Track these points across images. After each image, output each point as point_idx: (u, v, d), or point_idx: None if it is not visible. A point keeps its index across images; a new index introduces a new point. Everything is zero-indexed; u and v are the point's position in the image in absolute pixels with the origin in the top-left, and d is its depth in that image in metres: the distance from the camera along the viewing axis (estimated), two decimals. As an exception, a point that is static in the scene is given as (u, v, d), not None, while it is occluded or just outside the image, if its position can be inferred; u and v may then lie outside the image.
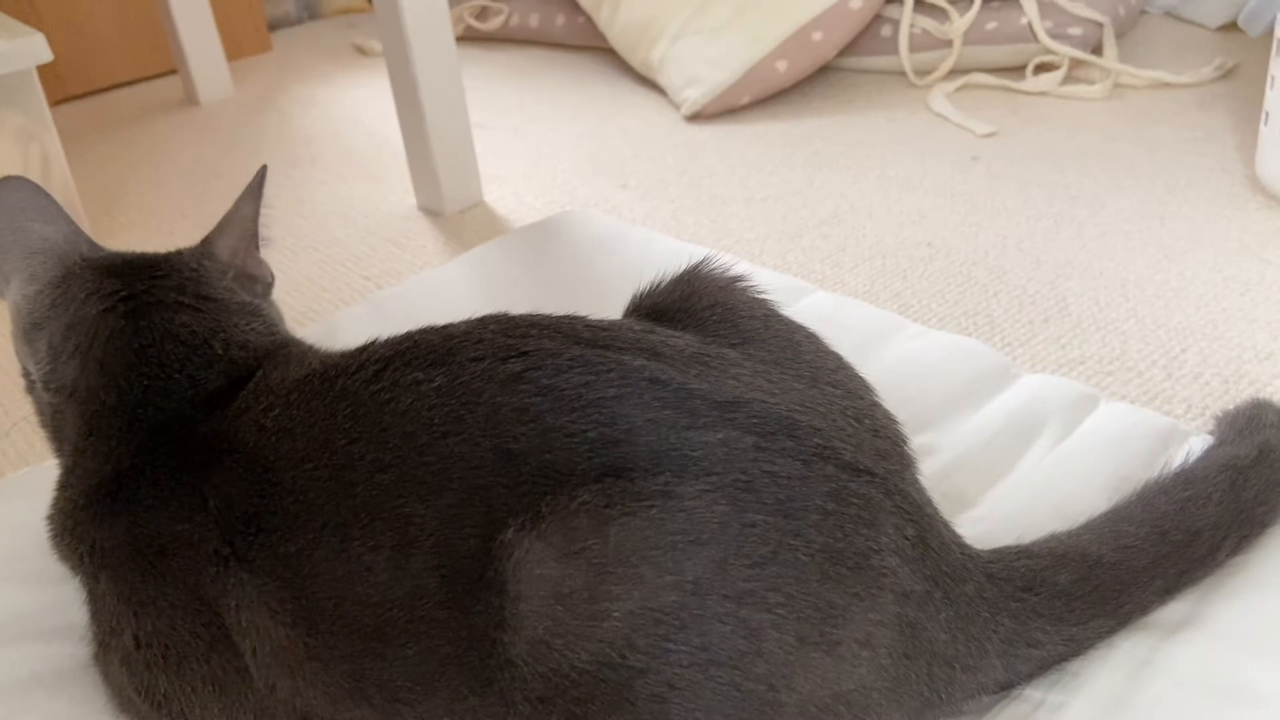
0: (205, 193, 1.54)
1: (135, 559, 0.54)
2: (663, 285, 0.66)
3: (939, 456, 0.75)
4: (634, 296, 0.66)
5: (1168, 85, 1.56)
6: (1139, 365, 0.94)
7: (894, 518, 0.51)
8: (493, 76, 1.92)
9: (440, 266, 1.15)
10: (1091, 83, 1.56)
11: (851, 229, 1.24)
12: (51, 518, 0.60)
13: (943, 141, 1.46)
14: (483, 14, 2.12)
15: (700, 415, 0.50)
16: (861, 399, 0.59)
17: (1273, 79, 1.17)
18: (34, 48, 1.25)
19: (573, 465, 0.48)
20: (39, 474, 0.75)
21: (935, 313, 1.05)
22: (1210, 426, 0.72)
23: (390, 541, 0.49)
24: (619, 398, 0.50)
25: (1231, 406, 0.72)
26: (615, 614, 0.45)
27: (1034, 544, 0.59)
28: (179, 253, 0.66)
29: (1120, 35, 1.69)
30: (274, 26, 2.32)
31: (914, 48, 1.66)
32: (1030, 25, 1.60)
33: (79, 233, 0.65)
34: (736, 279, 0.65)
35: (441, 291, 1.08)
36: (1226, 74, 1.57)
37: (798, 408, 0.53)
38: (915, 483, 0.58)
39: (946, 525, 0.56)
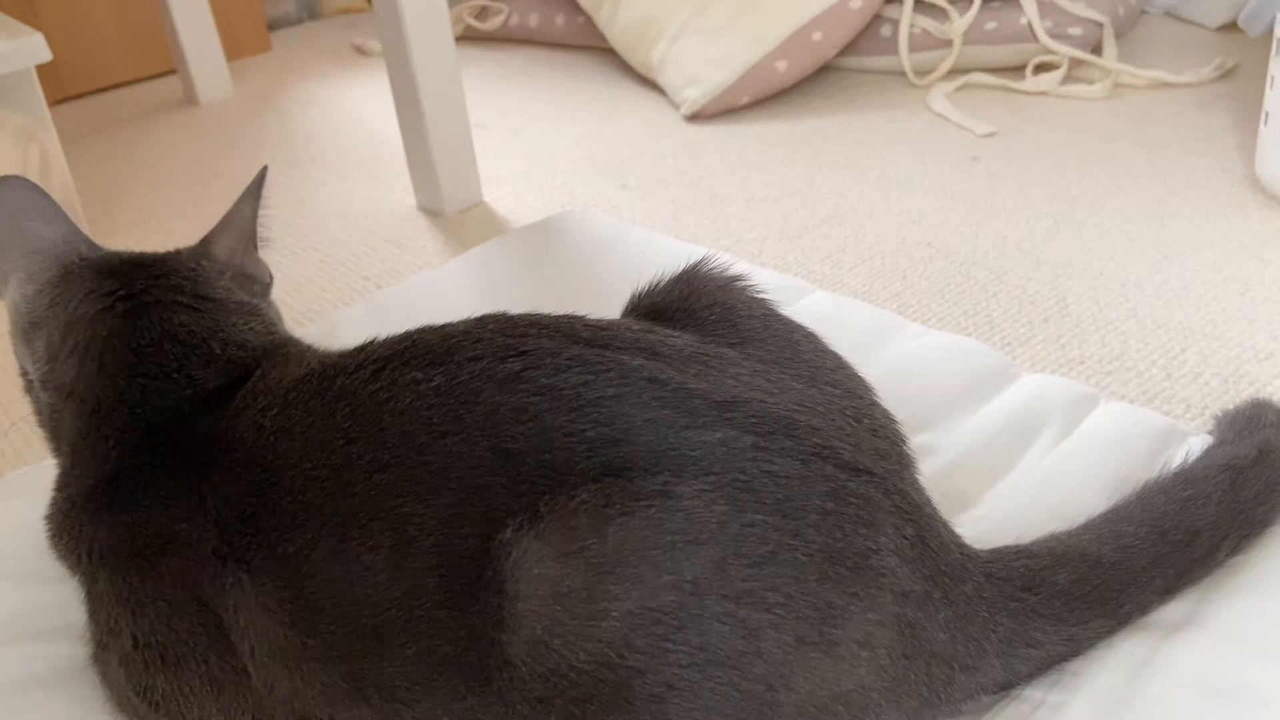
0: (205, 193, 1.53)
1: (133, 559, 0.54)
2: (661, 285, 0.66)
3: (938, 456, 0.75)
4: (632, 296, 0.66)
5: (1168, 85, 1.56)
6: (1139, 365, 0.94)
7: (893, 517, 0.51)
8: (492, 76, 1.92)
9: (440, 266, 1.15)
10: (1091, 83, 1.56)
11: (851, 229, 1.24)
12: (50, 517, 0.60)
13: (942, 141, 1.46)
14: (482, 14, 2.12)
15: (699, 415, 0.50)
16: (860, 399, 0.59)
17: (1273, 79, 1.17)
18: (33, 47, 1.25)
19: (571, 465, 0.48)
20: (37, 474, 0.75)
21: (935, 313, 1.05)
22: (1210, 426, 0.72)
23: (389, 541, 0.49)
24: (618, 397, 0.50)
25: (1231, 406, 0.72)
26: (614, 614, 0.45)
27: (1033, 544, 0.59)
28: (177, 252, 0.66)
29: (1120, 35, 1.69)
30: (274, 26, 2.32)
31: (914, 47, 1.66)
32: (1030, 25, 1.60)
33: (77, 232, 0.65)
34: (735, 278, 0.65)
35: (441, 291, 1.08)
36: (1226, 74, 1.57)
37: (797, 407, 0.53)
38: (914, 482, 0.58)
39: (945, 525, 0.56)
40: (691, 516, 0.46)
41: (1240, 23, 1.61)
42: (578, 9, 1.93)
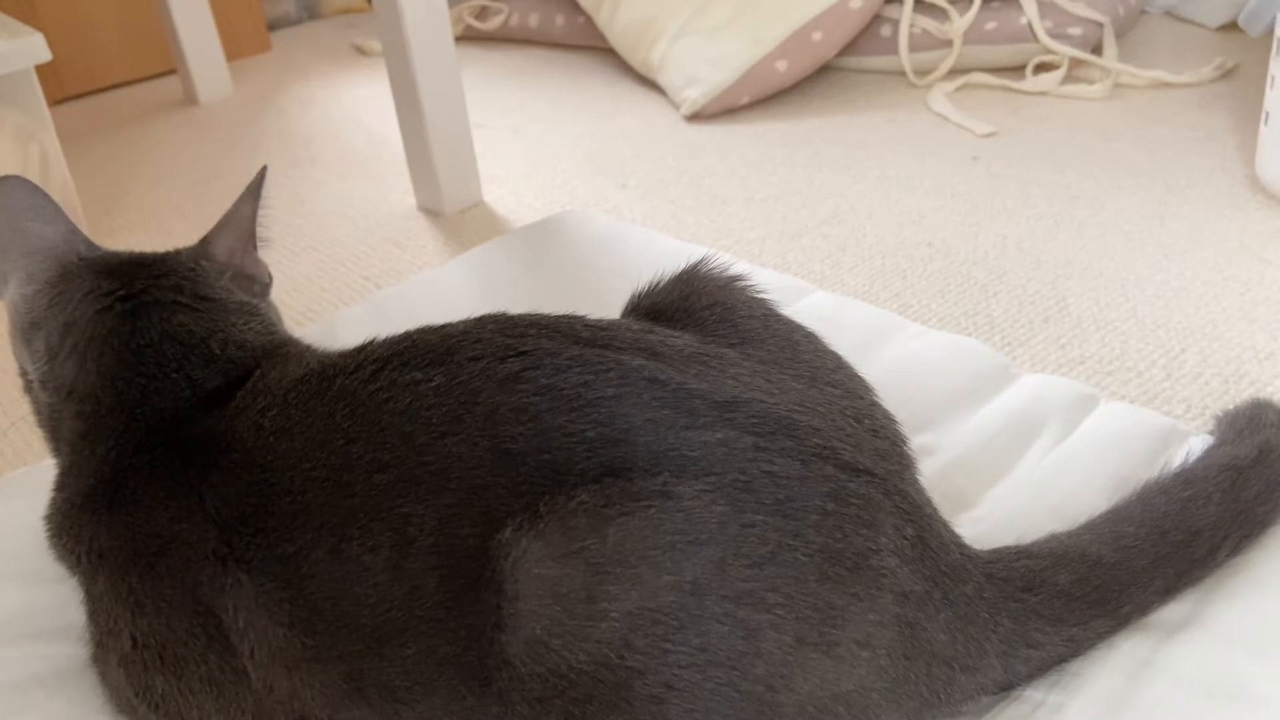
0: (204, 193, 1.53)
1: (133, 559, 0.54)
2: (661, 285, 0.66)
3: (938, 456, 0.75)
4: (632, 296, 0.66)
5: (1168, 85, 1.56)
6: (1139, 365, 0.94)
7: (893, 518, 0.51)
8: (492, 76, 1.92)
9: (440, 266, 1.15)
10: (1091, 82, 1.56)
11: (851, 229, 1.24)
12: (49, 518, 0.60)
13: (943, 141, 1.46)
14: (482, 14, 2.12)
15: (699, 415, 0.50)
16: (861, 399, 0.59)
17: (1273, 79, 1.17)
18: (33, 47, 1.25)
19: (571, 465, 0.48)
20: (37, 474, 0.75)
21: (935, 313, 1.05)
22: (1210, 426, 0.72)
23: (389, 542, 0.49)
24: (618, 397, 0.50)
25: (1231, 406, 0.72)
26: (613, 614, 0.45)
27: (1034, 544, 0.59)
28: (177, 252, 0.66)
29: (1120, 35, 1.69)
30: (274, 26, 2.31)
31: (914, 47, 1.66)
32: (1030, 25, 1.60)
33: (77, 232, 0.65)
34: (735, 278, 0.65)
35: (441, 292, 1.08)
36: (1226, 74, 1.57)
37: (797, 408, 0.53)
38: (915, 483, 0.58)
39: (946, 525, 0.56)
40: (691, 517, 0.46)
41: (1240, 23, 1.61)
42: (578, 9, 1.93)
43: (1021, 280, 1.09)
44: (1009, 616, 0.54)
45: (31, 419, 0.64)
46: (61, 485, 0.60)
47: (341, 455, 0.51)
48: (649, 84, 1.77)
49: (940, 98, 1.57)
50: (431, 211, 1.40)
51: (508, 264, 1.12)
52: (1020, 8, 1.61)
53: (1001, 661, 0.54)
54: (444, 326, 0.56)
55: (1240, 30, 1.63)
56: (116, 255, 0.65)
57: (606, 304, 0.67)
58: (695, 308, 0.62)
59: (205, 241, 0.67)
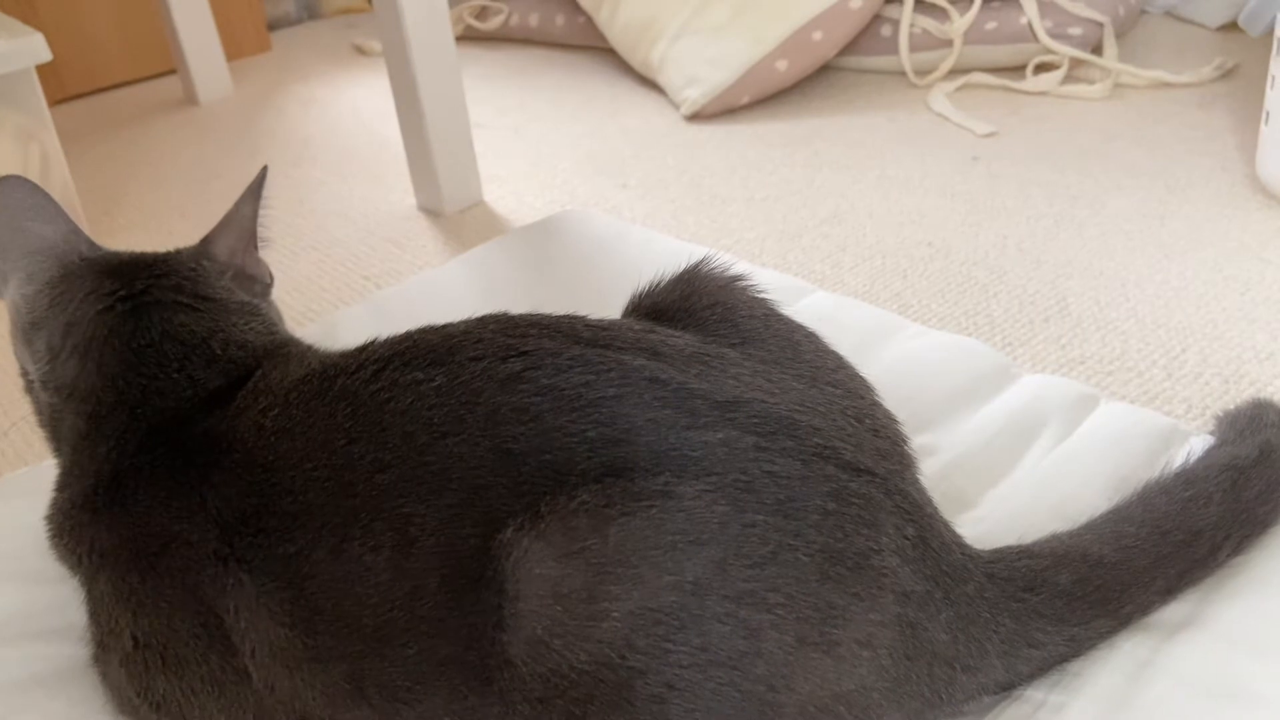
0: (205, 193, 1.53)
1: (134, 559, 0.54)
2: (662, 285, 0.66)
3: (939, 456, 0.75)
4: (633, 296, 0.66)
5: (1168, 85, 1.56)
6: (1139, 365, 0.94)
7: (894, 517, 0.51)
8: (493, 76, 1.92)
9: (440, 266, 1.15)
10: (1092, 82, 1.56)
11: (851, 229, 1.24)
12: (50, 518, 0.60)
13: (943, 141, 1.46)
14: (482, 14, 2.12)
15: (700, 415, 0.50)
16: (862, 399, 0.59)
17: (1273, 79, 1.17)
18: (33, 47, 1.25)
19: (572, 465, 0.48)
20: (38, 474, 0.75)
21: (935, 312, 1.05)
22: (1211, 426, 0.72)
23: (390, 542, 0.49)
24: (619, 397, 0.50)
25: (1232, 406, 0.72)
26: (614, 614, 0.45)
27: (1035, 544, 0.59)
28: (177, 252, 0.66)
29: (1120, 35, 1.69)
30: (274, 26, 2.31)
31: (914, 47, 1.66)
32: (1030, 25, 1.60)
33: (78, 232, 0.65)
34: (736, 278, 0.65)
35: (441, 291, 1.08)
36: (1227, 74, 1.57)
37: (798, 407, 0.53)
38: (916, 482, 0.58)
39: (947, 525, 0.56)
40: (693, 517, 0.46)
41: (1240, 22, 1.61)
42: (578, 9, 1.93)
43: (1022, 280, 1.09)
44: (1010, 616, 0.54)
45: (32, 419, 0.64)
46: (62, 485, 0.60)
47: (343, 455, 0.51)
48: (649, 84, 1.77)
49: (940, 97, 1.57)
50: (432, 211, 1.40)
51: (508, 264, 1.12)
52: (1020, 8, 1.61)
53: (1003, 661, 0.54)
54: (445, 326, 0.56)
55: (1240, 30, 1.63)
56: (117, 255, 0.65)
57: (607, 304, 0.67)
58: (696, 308, 0.62)
59: (206, 241, 0.67)
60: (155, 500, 0.55)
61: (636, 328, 0.57)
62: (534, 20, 2.03)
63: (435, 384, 0.51)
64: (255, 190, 0.67)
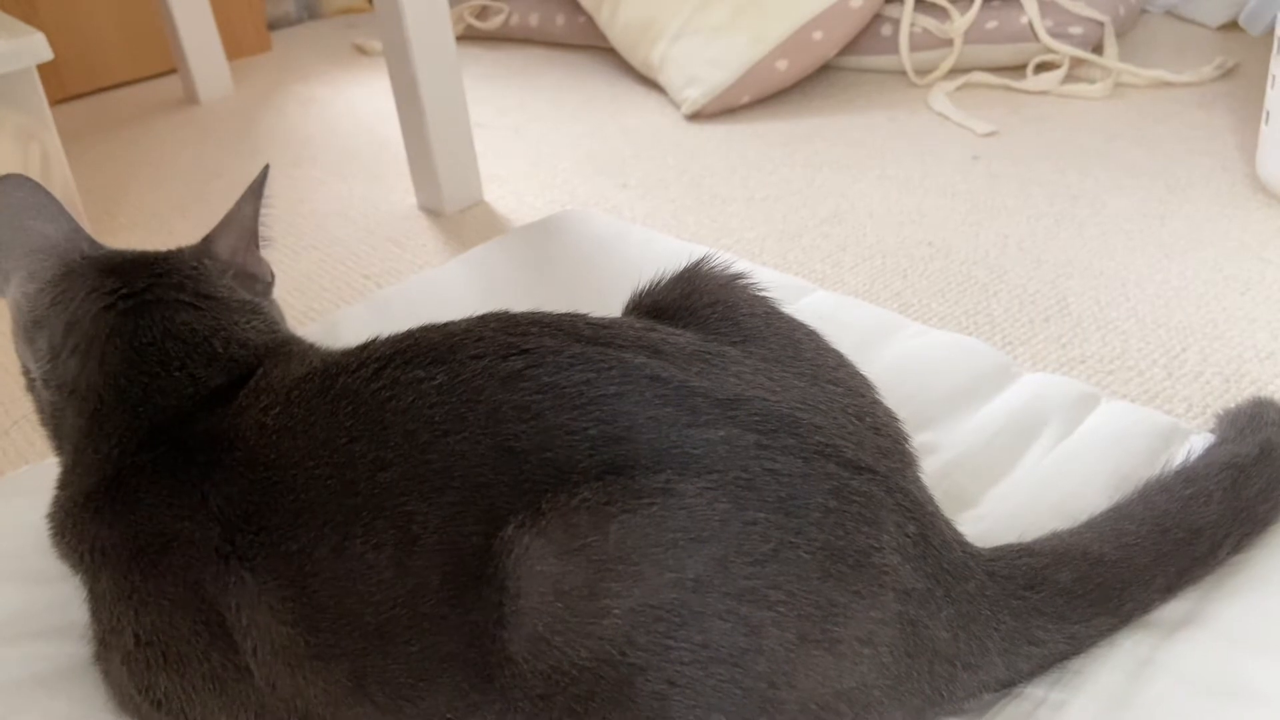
0: (205, 192, 1.53)
1: (136, 557, 0.54)
2: (663, 283, 0.66)
3: (940, 455, 0.75)
4: (634, 294, 0.66)
5: (1168, 84, 1.56)
6: (1140, 364, 0.94)
7: (895, 515, 0.51)
8: (493, 76, 1.92)
9: (440, 266, 1.15)
10: (1092, 82, 1.56)
11: (852, 228, 1.24)
12: (52, 516, 0.60)
13: (943, 141, 1.46)
14: (483, 13, 2.12)
15: (701, 413, 0.50)
16: (863, 396, 0.59)
17: (1273, 78, 1.17)
18: (34, 47, 1.25)
19: (574, 463, 0.48)
20: (39, 472, 0.75)
21: (936, 312, 1.05)
22: (1211, 425, 0.72)
23: (392, 539, 0.49)
24: (620, 395, 0.50)
25: (1232, 405, 0.72)
26: (615, 611, 0.45)
27: (1035, 542, 0.59)
28: (179, 251, 0.66)
29: (1121, 34, 1.69)
30: (274, 26, 2.31)
31: (914, 47, 1.66)
32: (1031, 24, 1.60)
33: (79, 230, 0.65)
34: (737, 276, 0.65)
35: (442, 291, 1.08)
36: (1227, 73, 1.57)
37: (799, 405, 0.53)
38: (917, 481, 0.58)
39: (948, 523, 0.56)
40: (694, 514, 0.46)
41: (1241, 22, 1.61)
42: (578, 9, 1.93)
43: (1022, 279, 1.09)
44: (1011, 614, 0.54)
45: (34, 417, 0.65)
46: (64, 483, 0.60)
47: (344, 453, 0.51)
48: (649, 83, 1.77)
49: (941, 97, 1.57)
50: (432, 211, 1.40)
51: (508, 263, 1.13)
52: (1021, 7, 1.61)
53: (1003, 659, 0.54)
54: (446, 325, 0.56)
55: (1241, 30, 1.63)
56: (119, 254, 0.65)
57: (607, 303, 0.67)
58: (697, 306, 0.62)
59: (208, 240, 0.67)
60: (157, 498, 0.55)
61: (637, 326, 0.57)
62: (534, 20, 2.03)
63: (436, 382, 0.51)
64: (256, 189, 0.67)
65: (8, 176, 0.62)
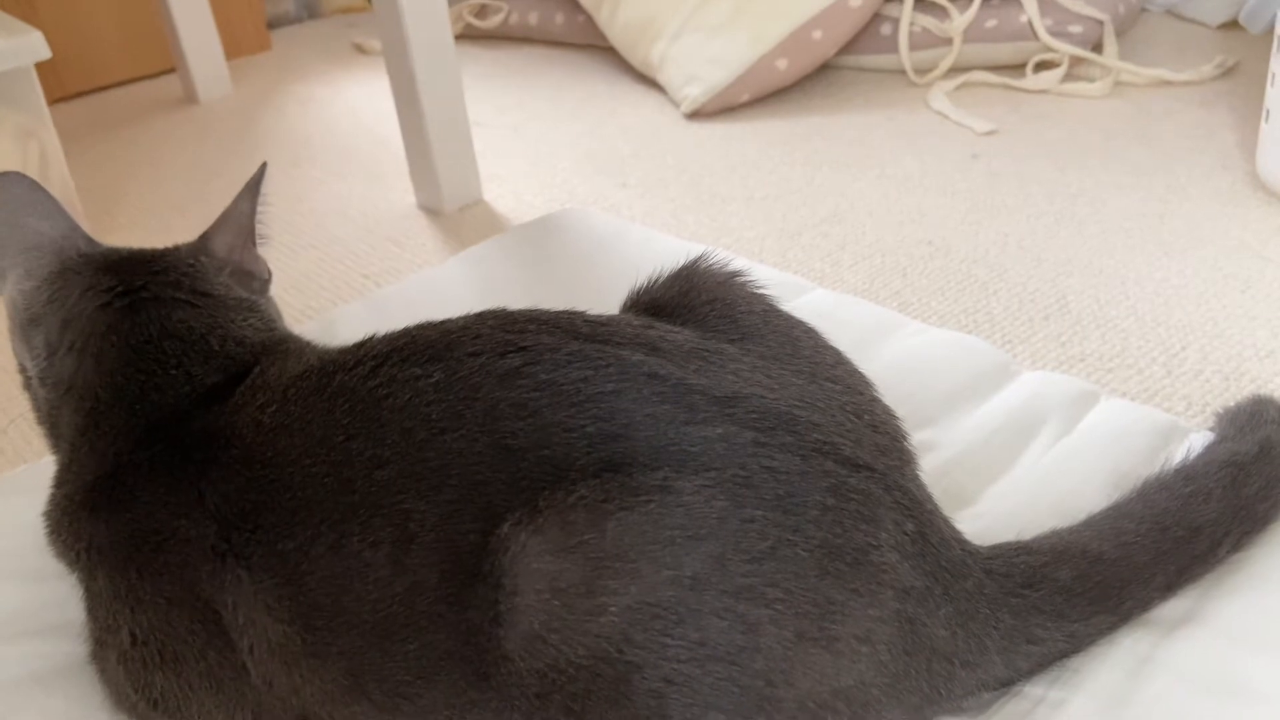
0: (204, 192, 1.53)
1: (132, 555, 0.54)
2: (661, 280, 0.65)
3: (939, 453, 0.75)
4: (631, 292, 0.66)
5: (1168, 83, 1.55)
6: (1139, 362, 0.94)
7: (893, 513, 0.51)
8: (492, 75, 1.92)
9: (439, 265, 1.15)
10: (1092, 80, 1.56)
11: (851, 227, 1.24)
12: (48, 514, 0.60)
13: (943, 139, 1.46)
14: (482, 12, 2.12)
15: (699, 410, 0.50)
16: (861, 394, 0.59)
17: (1273, 76, 1.17)
18: (33, 45, 1.25)
19: (571, 460, 0.48)
20: (36, 471, 0.75)
21: (935, 310, 1.05)
22: (1211, 423, 0.72)
23: (389, 537, 0.49)
24: (617, 393, 0.50)
25: (1232, 403, 0.72)
26: (612, 608, 0.45)
27: (1034, 540, 0.59)
28: (176, 248, 0.66)
29: (1121, 33, 1.69)
30: (273, 25, 2.31)
31: (914, 46, 1.65)
32: (1030, 23, 1.60)
33: (76, 228, 0.65)
34: (735, 274, 0.65)
35: (441, 289, 1.07)
36: (1227, 72, 1.57)
37: (797, 403, 0.53)
38: (915, 478, 0.58)
39: (946, 521, 0.56)
40: (691, 512, 0.46)
41: (1241, 20, 1.61)
42: (578, 7, 1.93)
43: (1022, 278, 1.09)
44: (1010, 612, 0.54)
45: (30, 415, 0.64)
46: (61, 482, 0.60)
47: (341, 451, 0.51)
48: (649, 82, 1.77)
49: (940, 96, 1.57)
50: (431, 210, 1.40)
51: (507, 262, 1.12)
52: (1020, 6, 1.61)
53: (1002, 657, 0.54)
54: (443, 322, 0.56)
55: (1241, 28, 1.63)
56: (116, 251, 0.64)
57: (606, 302, 0.66)
58: (695, 303, 0.62)
59: (204, 238, 0.67)
60: (153, 496, 0.55)
61: (635, 323, 0.57)
62: (533, 19, 2.03)
63: (433, 380, 0.51)
64: (254, 187, 0.67)
65: (5, 174, 0.62)
